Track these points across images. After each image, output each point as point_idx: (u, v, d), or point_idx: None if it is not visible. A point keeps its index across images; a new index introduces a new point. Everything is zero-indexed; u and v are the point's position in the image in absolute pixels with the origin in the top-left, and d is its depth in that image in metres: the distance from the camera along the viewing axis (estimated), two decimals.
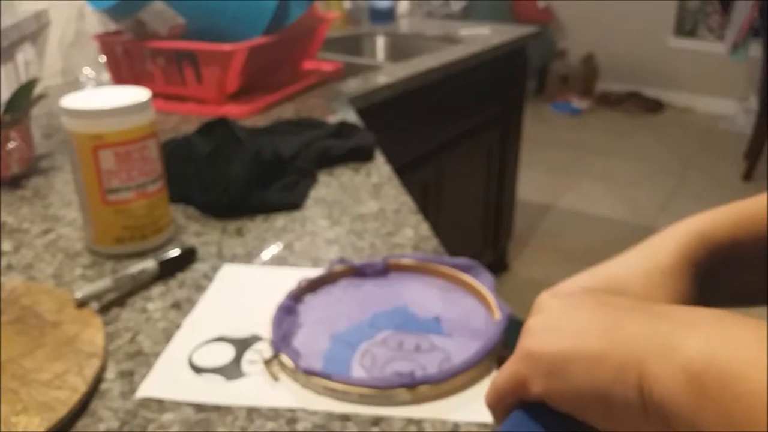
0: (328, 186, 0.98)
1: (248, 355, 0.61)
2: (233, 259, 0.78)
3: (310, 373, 0.56)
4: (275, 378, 0.58)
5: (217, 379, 0.58)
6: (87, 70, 1.54)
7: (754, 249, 0.45)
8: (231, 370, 0.59)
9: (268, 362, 0.59)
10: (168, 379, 0.58)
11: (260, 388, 0.57)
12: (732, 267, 0.45)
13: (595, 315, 0.34)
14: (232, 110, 1.30)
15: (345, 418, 0.53)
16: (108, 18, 1.41)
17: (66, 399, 0.53)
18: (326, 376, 0.56)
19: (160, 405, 0.55)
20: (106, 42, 1.39)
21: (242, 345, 0.63)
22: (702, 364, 0.28)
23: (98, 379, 0.57)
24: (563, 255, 2.65)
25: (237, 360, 0.61)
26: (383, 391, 0.54)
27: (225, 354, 0.61)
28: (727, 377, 0.27)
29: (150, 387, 0.57)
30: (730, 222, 0.45)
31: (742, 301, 0.48)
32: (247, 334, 0.64)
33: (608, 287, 0.42)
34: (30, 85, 1.05)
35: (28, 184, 1.00)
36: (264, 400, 0.55)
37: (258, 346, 0.62)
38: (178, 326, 0.65)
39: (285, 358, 0.58)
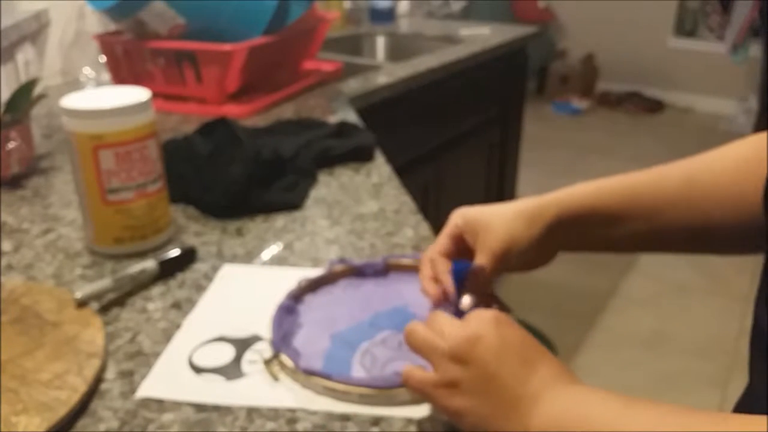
0: (328, 186, 0.98)
1: (248, 355, 0.61)
2: (233, 259, 0.78)
3: (310, 373, 0.56)
4: (275, 378, 0.58)
5: (218, 379, 0.58)
6: (87, 70, 1.54)
7: (604, 217, 0.61)
8: (231, 370, 0.59)
9: (268, 362, 0.59)
10: (168, 379, 0.58)
11: (260, 388, 0.57)
12: (589, 229, 0.62)
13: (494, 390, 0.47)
14: (232, 110, 1.30)
15: (345, 418, 0.53)
16: (108, 18, 1.41)
17: (66, 399, 0.53)
18: (326, 376, 0.56)
19: (160, 405, 0.55)
20: (106, 42, 1.39)
21: (242, 345, 0.63)
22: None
23: (98, 379, 0.57)
24: (563, 255, 2.64)
25: (237, 360, 0.61)
26: (383, 391, 0.54)
27: (225, 354, 0.61)
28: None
29: (150, 387, 0.57)
30: (590, 191, 0.62)
31: (617, 248, 0.66)
32: (247, 334, 0.64)
33: (471, 217, 0.63)
34: (30, 85, 1.05)
35: (28, 184, 1.00)
36: (264, 400, 0.55)
37: (258, 346, 0.62)
38: (178, 326, 0.65)
39: (285, 358, 0.58)
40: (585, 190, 0.62)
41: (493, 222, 0.61)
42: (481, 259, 0.60)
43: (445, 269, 0.61)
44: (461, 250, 0.64)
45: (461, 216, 0.64)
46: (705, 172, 0.60)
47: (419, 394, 0.50)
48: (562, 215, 0.61)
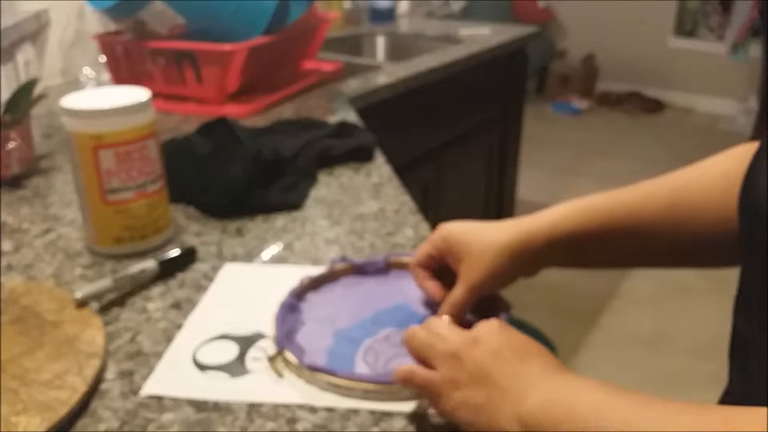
0: (328, 186, 0.98)
1: (252, 353, 0.61)
2: (233, 259, 0.78)
3: (314, 369, 0.57)
4: (280, 375, 0.58)
5: (222, 376, 0.58)
6: (87, 70, 1.54)
7: (593, 239, 0.61)
8: (235, 368, 0.59)
9: (272, 359, 0.60)
10: (173, 377, 0.58)
11: (265, 385, 0.57)
12: (578, 251, 0.62)
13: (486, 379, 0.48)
14: (232, 110, 1.30)
15: (346, 417, 0.53)
16: (108, 18, 1.41)
17: (66, 399, 0.53)
18: (331, 372, 0.56)
19: (160, 405, 0.55)
20: (106, 42, 1.39)
21: (246, 342, 0.63)
22: (529, 417, 0.45)
23: (98, 379, 0.57)
24: None
25: (241, 357, 0.61)
26: (387, 386, 0.55)
27: (229, 351, 0.62)
28: (545, 427, 0.44)
29: (155, 384, 0.57)
30: (577, 215, 0.62)
31: (606, 266, 0.68)
32: (251, 331, 0.64)
33: (453, 243, 0.63)
34: (30, 85, 1.05)
35: (28, 184, 1.00)
36: (269, 397, 0.56)
37: (261, 343, 0.63)
38: (178, 326, 0.65)
39: (289, 355, 0.59)
40: (571, 214, 0.62)
41: (476, 253, 0.61)
42: (460, 289, 0.62)
43: (425, 277, 0.66)
44: (440, 265, 0.66)
45: (445, 238, 0.64)
46: (691, 189, 0.60)
47: (422, 390, 0.51)
48: (549, 244, 0.62)
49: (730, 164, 0.60)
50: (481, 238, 0.62)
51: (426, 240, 0.67)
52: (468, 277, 0.62)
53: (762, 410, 0.36)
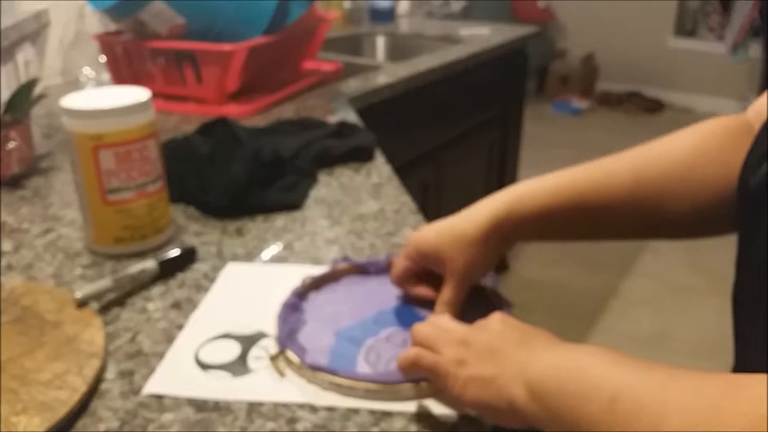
0: (328, 186, 0.98)
1: (254, 352, 0.61)
2: (233, 259, 0.78)
3: (316, 368, 0.57)
4: (281, 374, 0.58)
5: (224, 375, 0.59)
6: (87, 70, 1.54)
7: (556, 217, 0.62)
8: (237, 367, 0.60)
9: (274, 358, 0.60)
10: (175, 376, 0.58)
11: (266, 384, 0.57)
12: (543, 229, 0.63)
13: (495, 352, 0.50)
14: (232, 110, 1.30)
15: (346, 417, 0.53)
16: (108, 18, 1.41)
17: (66, 399, 0.53)
18: (332, 372, 0.56)
19: (160, 405, 0.55)
20: (106, 42, 1.39)
21: (248, 342, 0.63)
22: (535, 380, 0.46)
23: (98, 379, 0.57)
24: (563, 254, 2.64)
25: (243, 356, 0.61)
26: (388, 386, 0.55)
27: (231, 351, 0.62)
28: (550, 388, 0.44)
29: (157, 383, 0.57)
30: (538, 194, 0.63)
31: (571, 240, 0.69)
32: (253, 330, 0.65)
33: (426, 250, 0.64)
34: (30, 85, 1.05)
35: (28, 184, 1.00)
36: (270, 396, 0.56)
37: (263, 342, 0.63)
38: (178, 326, 0.65)
39: (291, 354, 0.59)
40: (535, 194, 0.63)
41: (452, 252, 0.63)
42: (448, 288, 0.64)
43: (411, 287, 0.68)
44: (422, 271, 0.67)
45: (417, 248, 0.66)
46: (654, 166, 0.61)
47: (429, 373, 0.52)
48: (516, 225, 0.63)
49: (694, 139, 0.61)
50: (450, 235, 0.64)
51: (401, 253, 0.68)
52: (452, 275, 0.64)
53: (764, 375, 0.36)
